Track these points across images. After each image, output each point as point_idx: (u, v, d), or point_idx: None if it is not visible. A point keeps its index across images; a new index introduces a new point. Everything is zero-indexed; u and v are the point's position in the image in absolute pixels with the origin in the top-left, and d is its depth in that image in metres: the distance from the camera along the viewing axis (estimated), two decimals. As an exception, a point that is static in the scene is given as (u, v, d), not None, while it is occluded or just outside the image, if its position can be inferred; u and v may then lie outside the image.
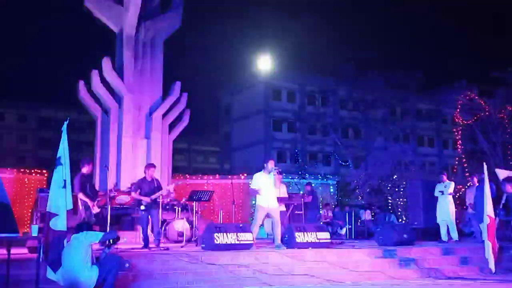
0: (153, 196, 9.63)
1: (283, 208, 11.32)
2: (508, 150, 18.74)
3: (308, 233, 9.68)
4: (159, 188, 9.85)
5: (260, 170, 10.01)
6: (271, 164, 9.89)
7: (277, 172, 9.98)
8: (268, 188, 9.75)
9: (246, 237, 9.13)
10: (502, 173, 11.49)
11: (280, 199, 10.62)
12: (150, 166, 10.10)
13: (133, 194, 9.88)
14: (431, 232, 13.04)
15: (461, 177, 20.04)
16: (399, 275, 8.78)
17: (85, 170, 9.81)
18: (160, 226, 10.11)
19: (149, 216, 9.73)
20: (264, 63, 40.96)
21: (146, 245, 9.40)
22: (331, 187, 18.28)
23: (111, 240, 6.41)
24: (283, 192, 11.52)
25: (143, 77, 15.19)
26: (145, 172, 9.95)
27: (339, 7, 77.91)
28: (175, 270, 7.67)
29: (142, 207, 9.57)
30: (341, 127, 24.95)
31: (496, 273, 9.29)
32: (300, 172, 19.56)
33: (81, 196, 9.53)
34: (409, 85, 23.88)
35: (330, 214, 15.90)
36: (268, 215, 9.89)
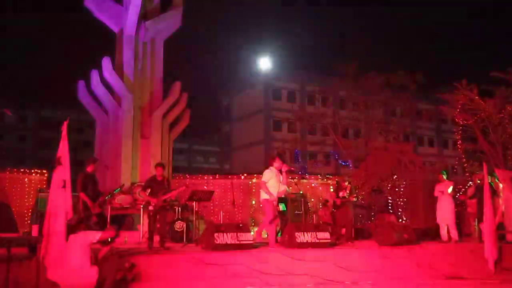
0: (163, 197, 9.46)
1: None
2: (508, 150, 18.70)
3: (308, 233, 9.68)
4: (169, 188, 9.71)
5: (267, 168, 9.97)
6: (278, 162, 9.87)
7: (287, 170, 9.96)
8: (276, 185, 9.77)
9: (246, 237, 9.12)
10: (503, 174, 11.48)
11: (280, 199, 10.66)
12: (157, 165, 9.92)
13: (141, 193, 9.75)
14: (431, 232, 13.05)
15: (461, 177, 20.01)
16: (399, 275, 8.78)
17: (90, 169, 9.82)
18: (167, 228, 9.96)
19: (157, 216, 9.54)
20: (264, 63, 40.99)
21: (149, 245, 9.35)
22: (331, 187, 18.25)
23: (109, 239, 6.40)
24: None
25: (143, 77, 15.18)
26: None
27: (339, 7, 77.91)
28: (175, 270, 7.67)
29: (151, 207, 9.45)
30: (341, 127, 24.85)
31: (496, 273, 9.29)
32: (300, 172, 19.50)
33: (82, 196, 9.53)
34: (409, 85, 23.82)
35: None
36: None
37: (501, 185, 11.72)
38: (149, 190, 9.60)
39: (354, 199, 12.61)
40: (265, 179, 9.73)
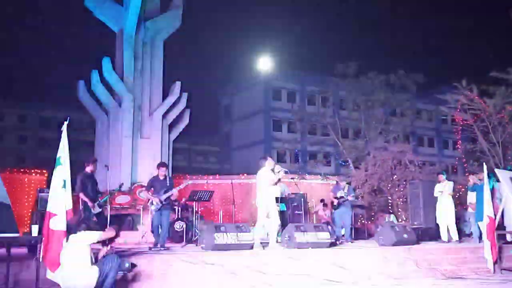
0: (164, 196, 9.46)
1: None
2: (508, 150, 18.68)
3: (308, 233, 9.67)
4: (171, 187, 9.69)
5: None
6: (270, 163, 9.84)
7: (284, 172, 9.94)
8: (272, 186, 9.74)
9: (246, 237, 9.12)
10: (503, 174, 11.47)
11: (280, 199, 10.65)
12: (159, 165, 9.88)
13: (144, 193, 9.77)
14: (431, 232, 13.03)
15: (461, 177, 20.00)
16: (399, 275, 8.78)
17: (89, 169, 9.82)
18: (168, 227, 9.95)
19: (160, 216, 9.49)
20: (264, 63, 40.95)
21: (155, 244, 9.32)
22: (331, 187, 18.22)
23: (109, 239, 6.40)
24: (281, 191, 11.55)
25: (143, 77, 15.20)
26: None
27: (339, 7, 77.98)
28: (175, 270, 7.67)
29: (153, 207, 9.44)
30: (341, 127, 24.86)
31: (496, 273, 9.30)
32: (300, 172, 19.50)
33: (81, 196, 9.54)
34: (409, 85, 23.85)
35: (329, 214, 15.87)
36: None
37: (498, 185, 11.73)
38: (152, 190, 9.60)
39: (353, 199, 12.58)
40: (264, 179, 9.73)
